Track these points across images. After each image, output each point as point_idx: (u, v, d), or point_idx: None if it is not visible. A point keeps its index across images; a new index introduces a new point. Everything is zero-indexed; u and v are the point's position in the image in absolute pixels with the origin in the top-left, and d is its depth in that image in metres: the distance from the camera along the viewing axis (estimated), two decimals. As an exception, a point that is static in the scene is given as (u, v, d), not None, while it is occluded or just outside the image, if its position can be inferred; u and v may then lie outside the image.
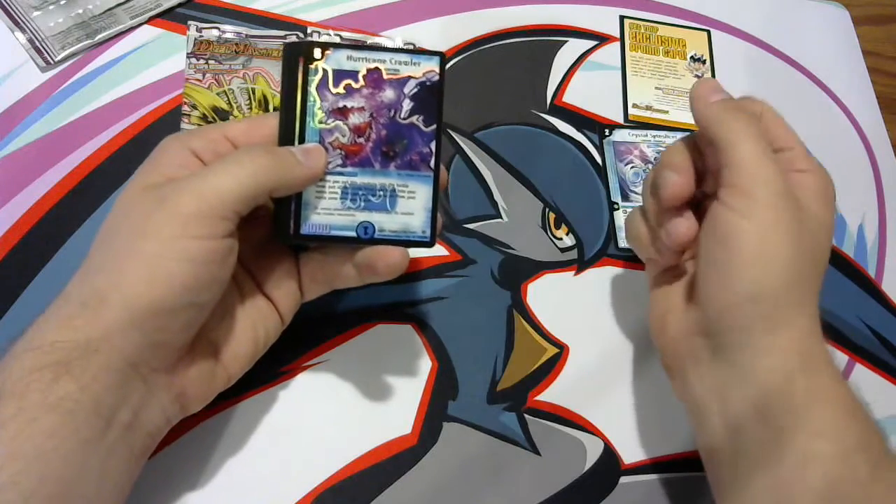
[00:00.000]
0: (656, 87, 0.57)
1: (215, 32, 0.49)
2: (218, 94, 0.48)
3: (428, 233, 0.32)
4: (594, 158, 0.52)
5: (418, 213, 0.32)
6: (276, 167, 0.29)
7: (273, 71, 0.49)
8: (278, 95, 0.49)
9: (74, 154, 0.44)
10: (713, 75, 0.59)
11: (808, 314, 0.31)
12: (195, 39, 0.49)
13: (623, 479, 0.42)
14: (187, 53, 0.48)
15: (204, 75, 0.48)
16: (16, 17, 0.48)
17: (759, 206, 0.30)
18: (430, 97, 0.31)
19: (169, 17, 0.50)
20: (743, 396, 0.30)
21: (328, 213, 0.31)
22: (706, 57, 0.59)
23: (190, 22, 0.49)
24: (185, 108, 0.47)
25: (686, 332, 0.33)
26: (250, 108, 0.48)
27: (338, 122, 0.31)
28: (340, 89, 0.31)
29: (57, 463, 0.24)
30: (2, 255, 0.40)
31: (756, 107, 0.35)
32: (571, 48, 0.57)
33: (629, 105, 0.56)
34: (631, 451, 0.42)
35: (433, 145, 0.32)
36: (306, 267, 0.34)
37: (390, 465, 0.39)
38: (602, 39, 0.58)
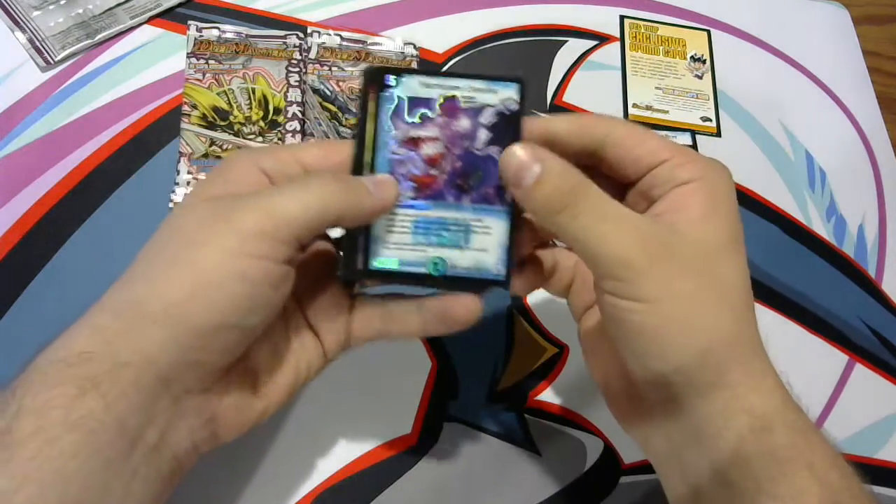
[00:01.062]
0: (656, 87, 0.57)
1: (215, 32, 0.49)
2: (218, 93, 0.48)
3: (503, 272, 0.30)
4: (594, 158, 0.52)
5: (493, 251, 0.29)
6: (346, 196, 0.27)
7: (273, 71, 0.49)
8: (278, 95, 0.50)
9: (74, 154, 0.44)
10: (713, 75, 0.59)
11: (746, 367, 0.27)
12: (195, 39, 0.49)
13: (623, 479, 0.42)
14: (187, 53, 0.48)
15: (204, 75, 0.48)
16: (16, 17, 0.48)
17: (644, 290, 0.26)
18: (507, 126, 0.29)
19: (169, 17, 0.50)
20: (699, 461, 0.27)
21: (398, 248, 0.29)
22: (706, 57, 0.59)
23: (190, 22, 0.49)
24: (185, 108, 0.47)
25: (632, 395, 0.30)
26: (250, 108, 0.48)
27: (410, 153, 0.29)
28: (414, 118, 0.29)
29: (77, 485, 0.23)
30: (2, 255, 0.40)
31: (601, 128, 0.29)
32: (571, 48, 0.57)
33: (629, 105, 0.56)
34: (631, 451, 0.42)
35: None
36: (362, 311, 0.32)
37: (390, 465, 0.39)
38: (602, 39, 0.58)
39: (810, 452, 0.26)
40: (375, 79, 0.29)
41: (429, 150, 0.29)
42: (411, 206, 0.29)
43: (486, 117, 0.29)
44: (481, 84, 0.29)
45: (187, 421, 0.27)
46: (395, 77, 0.29)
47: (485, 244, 0.29)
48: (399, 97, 0.29)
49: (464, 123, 0.29)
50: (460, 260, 0.29)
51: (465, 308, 0.29)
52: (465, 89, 0.29)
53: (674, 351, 0.26)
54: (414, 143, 0.29)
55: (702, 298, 0.26)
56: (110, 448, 0.24)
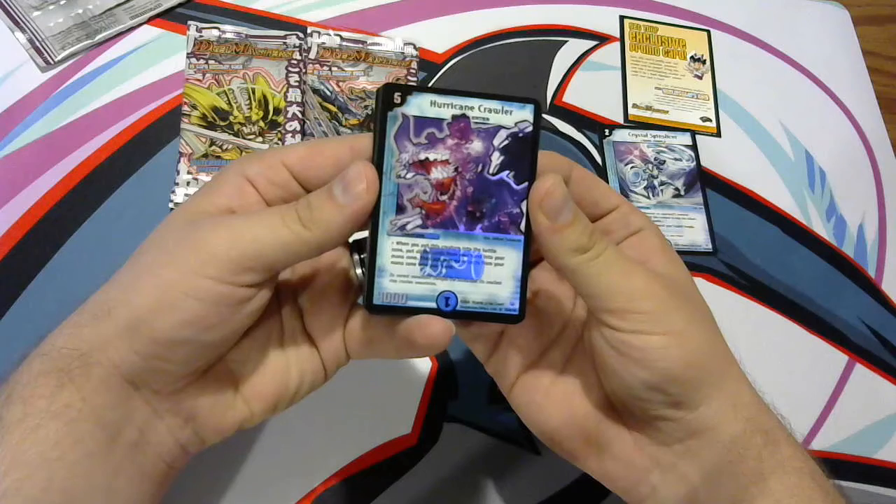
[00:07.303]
0: (656, 87, 0.57)
1: (215, 32, 0.49)
2: (218, 94, 0.48)
3: (517, 305, 0.28)
4: (594, 158, 0.52)
5: (506, 283, 0.28)
6: (280, 236, 0.26)
7: (273, 71, 0.49)
8: (278, 95, 0.50)
9: (74, 154, 0.44)
10: (713, 75, 0.59)
11: (734, 374, 0.29)
12: (195, 39, 0.49)
13: (623, 479, 0.42)
14: (187, 53, 0.48)
15: (204, 75, 0.48)
16: (16, 17, 0.48)
17: (669, 321, 0.27)
18: (522, 150, 0.28)
19: (169, 17, 0.50)
20: (692, 468, 0.29)
21: (405, 281, 0.27)
22: (706, 57, 0.59)
23: (190, 22, 0.49)
24: (185, 108, 0.47)
25: (604, 407, 0.31)
26: (250, 108, 0.48)
27: (418, 177, 0.27)
28: (422, 139, 0.27)
29: (61, 473, 0.24)
30: (2, 255, 0.40)
31: (566, 166, 0.30)
32: (571, 48, 0.57)
33: (629, 105, 0.56)
34: (631, 451, 0.42)
35: (524, 205, 0.28)
36: (349, 324, 0.31)
37: (390, 465, 0.39)
38: (602, 39, 0.58)
39: (789, 459, 0.29)
40: (381, 97, 0.27)
41: (438, 173, 0.27)
42: (420, 235, 0.27)
43: (500, 140, 0.28)
44: (495, 104, 0.28)
45: (165, 420, 0.27)
46: (401, 95, 0.27)
47: (498, 276, 0.28)
48: (405, 116, 0.27)
49: (476, 146, 0.27)
50: (472, 293, 0.28)
51: (423, 337, 0.27)
52: (478, 109, 0.28)
53: (691, 372, 0.28)
54: (422, 166, 0.27)
55: (699, 324, 0.28)
56: (91, 439, 0.25)
